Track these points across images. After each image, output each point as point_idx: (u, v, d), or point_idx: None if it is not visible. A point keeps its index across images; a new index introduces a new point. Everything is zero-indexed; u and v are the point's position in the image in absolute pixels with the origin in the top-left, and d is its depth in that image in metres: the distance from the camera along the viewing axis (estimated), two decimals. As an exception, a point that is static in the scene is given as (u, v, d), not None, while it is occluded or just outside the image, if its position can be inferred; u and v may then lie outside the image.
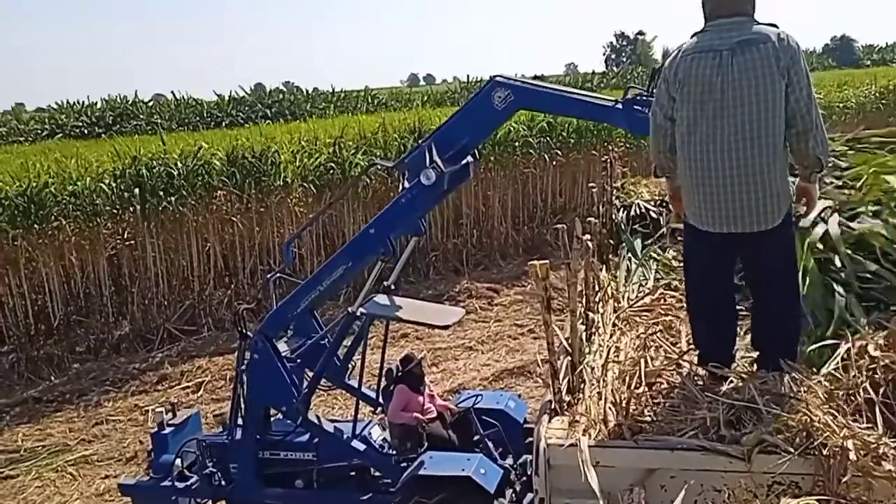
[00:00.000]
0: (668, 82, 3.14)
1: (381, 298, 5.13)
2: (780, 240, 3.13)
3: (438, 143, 4.60)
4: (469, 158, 4.84)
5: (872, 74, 23.58)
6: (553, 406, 3.09)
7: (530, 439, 4.93)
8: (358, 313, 4.97)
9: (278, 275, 5.60)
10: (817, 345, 3.36)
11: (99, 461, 7.31)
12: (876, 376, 2.86)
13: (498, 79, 4.48)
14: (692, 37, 3.14)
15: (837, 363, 3.08)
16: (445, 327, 5.45)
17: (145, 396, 8.68)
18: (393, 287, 5.25)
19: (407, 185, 4.68)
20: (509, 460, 5.10)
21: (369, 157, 11.62)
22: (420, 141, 4.97)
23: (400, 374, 5.23)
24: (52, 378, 9.22)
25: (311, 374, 5.14)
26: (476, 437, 5.13)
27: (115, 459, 7.31)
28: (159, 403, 7.70)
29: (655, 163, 3.38)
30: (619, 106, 4.18)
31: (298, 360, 5.17)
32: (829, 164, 3.76)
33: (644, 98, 4.09)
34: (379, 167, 9.80)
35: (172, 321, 10.33)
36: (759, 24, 3.03)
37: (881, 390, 2.80)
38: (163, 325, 10.21)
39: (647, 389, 3.19)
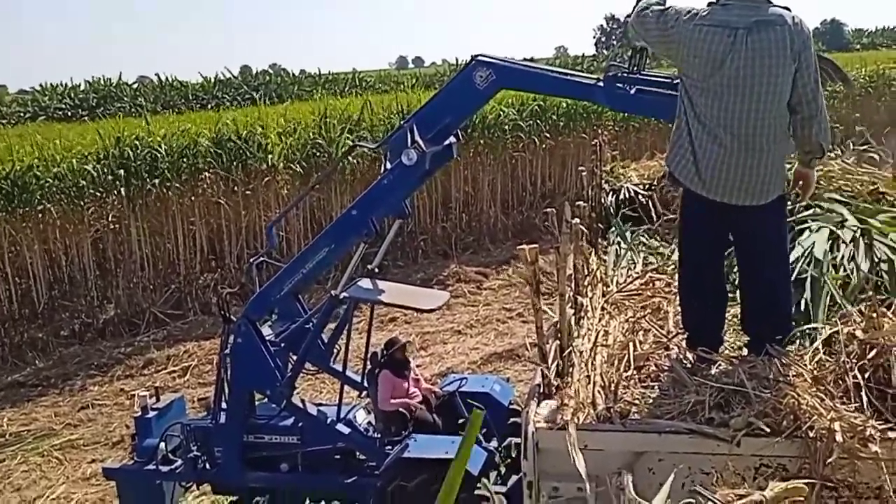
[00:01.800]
0: (678, 43, 3.08)
1: (365, 282, 5.11)
2: (774, 216, 3.15)
3: (420, 123, 4.54)
4: (452, 139, 4.79)
5: (863, 59, 23.61)
6: (541, 389, 3.06)
7: (514, 420, 4.96)
8: (341, 297, 4.94)
9: (263, 258, 5.55)
10: (806, 327, 3.35)
11: (84, 445, 7.28)
12: (864, 361, 2.84)
13: (480, 58, 4.43)
14: (708, 5, 3.10)
15: (820, 347, 3.07)
16: (430, 311, 5.44)
17: (131, 381, 8.63)
18: (377, 270, 5.22)
19: (389, 166, 4.64)
20: (494, 443, 5.11)
21: (356, 135, 11.52)
22: (402, 122, 4.91)
23: (383, 358, 5.21)
24: (37, 362, 9.16)
25: (295, 357, 5.11)
26: (461, 420, 5.13)
27: (101, 444, 7.28)
28: (145, 388, 7.65)
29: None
30: (601, 84, 4.16)
31: (283, 344, 5.13)
32: (830, 150, 3.76)
33: (625, 76, 4.06)
34: (361, 148, 9.74)
35: (158, 305, 10.26)
36: (774, 5, 3.03)
37: (867, 374, 2.80)
38: (148, 310, 10.14)
39: (635, 373, 3.18)
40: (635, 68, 4.05)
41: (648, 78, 4.08)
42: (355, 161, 11.35)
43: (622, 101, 4.23)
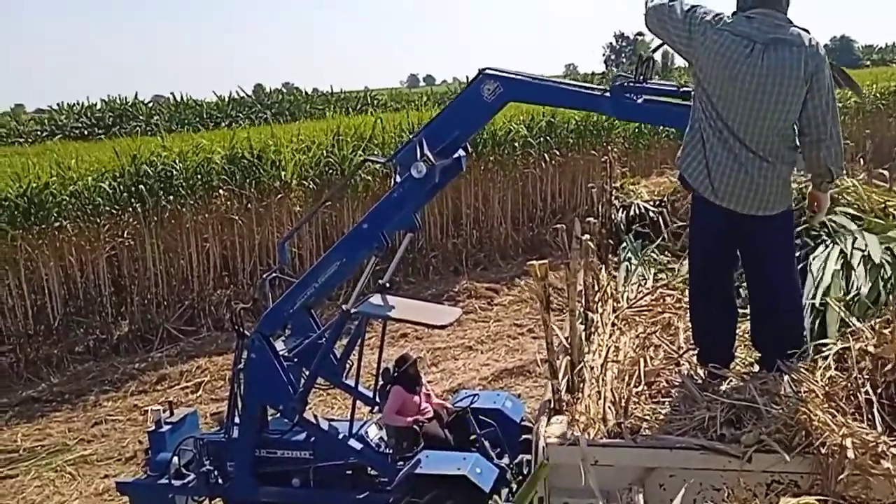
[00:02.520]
0: (699, 46, 3.09)
1: (377, 298, 5.13)
2: (781, 230, 3.17)
3: (429, 137, 4.58)
4: (461, 152, 4.82)
5: (874, 75, 23.52)
6: (552, 405, 3.07)
7: (526, 436, 4.95)
8: (353, 312, 4.96)
9: (275, 274, 5.59)
10: (817, 342, 3.35)
11: (98, 461, 7.30)
12: (876, 377, 2.84)
13: (487, 71, 4.46)
14: (733, 14, 3.13)
15: (831, 363, 3.06)
16: (442, 327, 5.45)
17: (144, 396, 8.66)
18: (388, 286, 5.24)
19: (399, 179, 4.68)
20: (505, 459, 5.10)
21: (368, 152, 11.59)
22: (412, 136, 4.95)
23: (395, 374, 5.23)
24: (52, 378, 9.21)
25: (308, 372, 5.13)
26: (472, 437, 5.13)
27: (115, 459, 7.29)
28: (158, 403, 7.69)
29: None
30: (608, 94, 4.19)
31: (295, 359, 5.16)
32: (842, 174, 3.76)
33: (632, 85, 4.08)
34: (372, 163, 9.79)
35: (172, 321, 10.32)
36: (794, 25, 3.06)
37: (879, 390, 2.79)
38: (162, 325, 10.19)
39: (646, 388, 3.18)
40: (641, 78, 4.08)
41: (655, 87, 4.10)
42: (367, 177, 11.42)
43: (629, 111, 4.25)
